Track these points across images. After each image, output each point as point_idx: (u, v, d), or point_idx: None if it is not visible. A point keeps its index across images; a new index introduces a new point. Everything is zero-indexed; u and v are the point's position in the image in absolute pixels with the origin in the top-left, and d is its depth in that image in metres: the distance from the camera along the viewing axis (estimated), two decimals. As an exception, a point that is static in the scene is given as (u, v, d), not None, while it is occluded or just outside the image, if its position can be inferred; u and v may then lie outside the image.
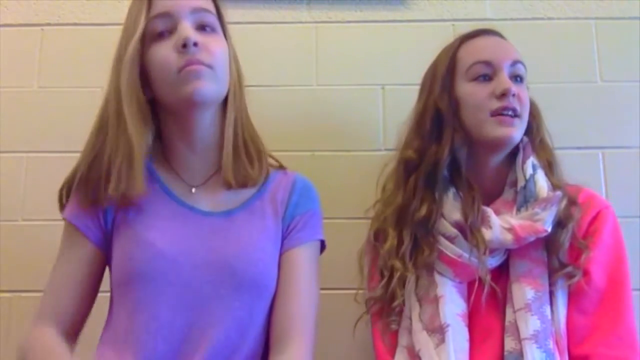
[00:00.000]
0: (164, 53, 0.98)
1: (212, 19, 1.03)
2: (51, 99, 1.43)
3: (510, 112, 1.07)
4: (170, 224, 1.02)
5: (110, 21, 1.44)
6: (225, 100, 1.05)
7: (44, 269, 1.35)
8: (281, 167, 1.15)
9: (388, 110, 1.42)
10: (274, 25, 1.47)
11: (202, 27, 1.01)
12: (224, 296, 0.98)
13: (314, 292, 1.06)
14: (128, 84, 0.98)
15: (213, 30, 1.03)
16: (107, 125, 1.00)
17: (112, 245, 1.03)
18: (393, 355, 1.08)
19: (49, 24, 1.47)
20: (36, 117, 1.42)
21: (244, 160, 1.05)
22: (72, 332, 1.01)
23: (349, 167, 1.40)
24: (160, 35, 0.99)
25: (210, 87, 0.98)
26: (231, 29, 1.44)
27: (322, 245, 1.12)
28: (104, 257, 1.04)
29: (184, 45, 0.97)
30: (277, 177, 1.11)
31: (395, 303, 1.08)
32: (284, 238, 1.06)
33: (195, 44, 0.97)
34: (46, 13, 1.47)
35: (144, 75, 1.01)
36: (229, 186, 1.04)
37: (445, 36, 1.20)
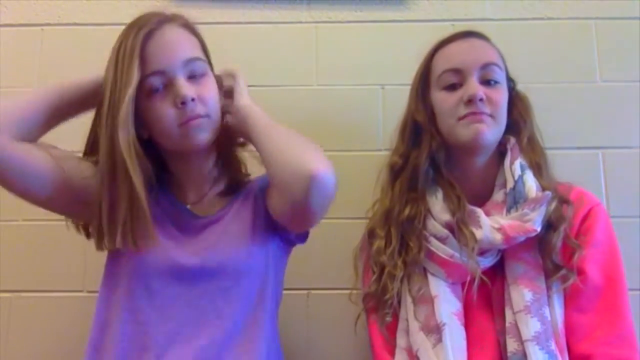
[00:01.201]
0: (163, 110, 1.02)
1: (201, 64, 1.06)
2: (51, 99, 1.43)
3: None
4: (169, 226, 1.07)
5: (110, 21, 1.44)
6: None
7: (44, 269, 1.36)
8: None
9: (388, 110, 1.42)
10: (274, 25, 1.47)
11: (193, 75, 1.04)
12: (210, 280, 1.03)
13: None
14: (127, 140, 0.99)
15: (203, 74, 1.06)
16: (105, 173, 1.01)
17: None
18: (390, 350, 1.09)
19: (49, 24, 1.47)
20: (36, 117, 1.42)
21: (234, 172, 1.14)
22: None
23: (349, 167, 1.39)
24: (156, 90, 1.02)
25: (209, 135, 1.05)
26: (231, 29, 1.46)
27: None
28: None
29: (183, 103, 1.01)
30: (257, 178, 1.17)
31: (387, 296, 1.09)
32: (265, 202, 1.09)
33: (192, 100, 1.01)
34: (46, 13, 1.47)
35: (139, 119, 1.03)
36: (221, 195, 1.12)
37: (445, 36, 1.19)
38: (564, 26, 1.46)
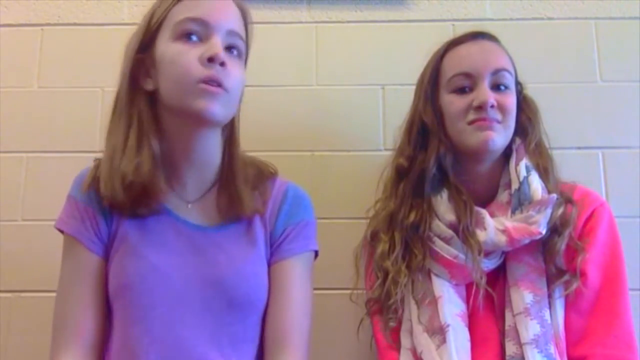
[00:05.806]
0: (189, 59, 0.96)
1: (242, 45, 1.03)
2: (51, 99, 1.43)
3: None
4: (165, 238, 1.01)
5: (110, 21, 1.43)
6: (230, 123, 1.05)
7: (44, 269, 1.36)
8: (275, 174, 1.11)
9: (388, 110, 1.42)
10: (274, 25, 1.47)
11: (230, 49, 1.00)
12: (216, 312, 0.98)
13: (308, 303, 1.04)
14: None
15: (239, 55, 1.03)
16: None
17: (109, 256, 1.01)
18: (394, 350, 1.09)
19: (49, 24, 1.46)
20: (36, 117, 1.42)
21: (247, 187, 1.04)
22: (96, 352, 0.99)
23: (349, 167, 1.39)
24: (187, 37, 0.98)
25: (221, 110, 0.97)
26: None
27: (316, 253, 1.10)
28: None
29: (211, 60, 0.95)
30: (268, 188, 1.09)
31: (391, 301, 1.08)
32: (274, 249, 1.05)
33: (222, 64, 0.96)
34: (46, 13, 1.47)
35: (150, 64, 0.99)
36: (224, 204, 1.03)
37: (445, 36, 1.19)
38: (564, 26, 1.46)
